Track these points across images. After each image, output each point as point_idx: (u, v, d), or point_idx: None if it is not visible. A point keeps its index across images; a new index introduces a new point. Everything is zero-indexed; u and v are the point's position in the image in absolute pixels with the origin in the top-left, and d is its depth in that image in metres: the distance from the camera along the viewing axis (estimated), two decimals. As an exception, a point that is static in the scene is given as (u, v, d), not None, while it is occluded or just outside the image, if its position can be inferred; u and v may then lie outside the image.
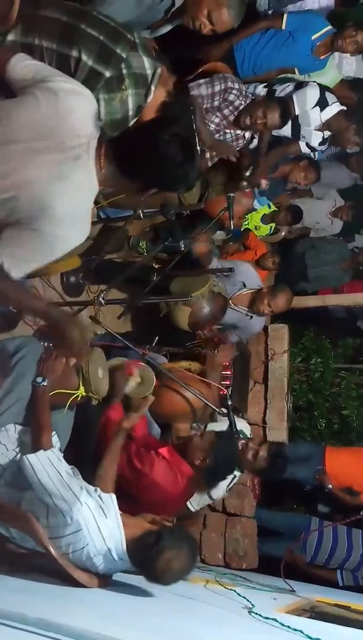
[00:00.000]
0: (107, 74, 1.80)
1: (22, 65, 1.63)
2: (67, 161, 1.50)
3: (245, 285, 3.75)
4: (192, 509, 2.98)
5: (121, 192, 1.81)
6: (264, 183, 3.53)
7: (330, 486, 3.72)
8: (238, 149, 3.30)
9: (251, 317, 3.76)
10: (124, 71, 1.83)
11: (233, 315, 3.69)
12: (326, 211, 4.86)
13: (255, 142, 3.39)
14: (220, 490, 3.00)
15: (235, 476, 3.04)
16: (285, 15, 3.26)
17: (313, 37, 3.27)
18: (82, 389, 2.19)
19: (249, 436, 3.30)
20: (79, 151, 1.51)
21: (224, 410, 2.87)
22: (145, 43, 1.93)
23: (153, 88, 1.89)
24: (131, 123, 1.89)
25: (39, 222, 1.49)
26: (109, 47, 1.81)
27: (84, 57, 1.77)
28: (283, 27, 3.24)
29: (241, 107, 3.07)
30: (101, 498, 1.97)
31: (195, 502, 2.96)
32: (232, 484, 3.09)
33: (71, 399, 2.16)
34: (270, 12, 3.43)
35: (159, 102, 1.89)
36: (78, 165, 1.51)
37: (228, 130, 3.17)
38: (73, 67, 1.77)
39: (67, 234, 1.53)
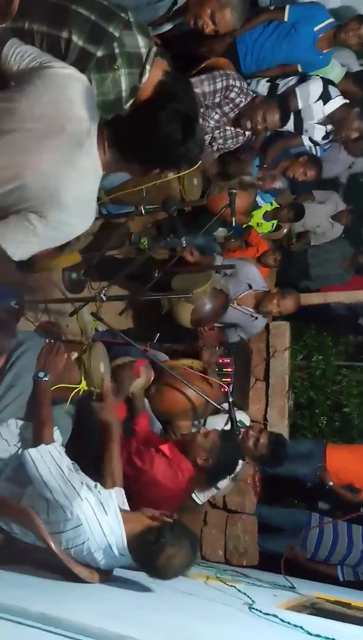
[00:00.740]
0: (99, 53, 1.77)
1: (17, 52, 1.62)
2: (71, 148, 1.50)
3: (250, 287, 3.75)
4: (199, 502, 2.98)
5: (128, 175, 1.77)
6: (248, 177, 3.50)
7: (331, 483, 3.72)
8: (238, 145, 3.29)
9: (256, 318, 3.76)
10: (117, 50, 1.80)
11: (236, 315, 3.69)
12: (327, 215, 4.84)
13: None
14: (225, 480, 3.00)
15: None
16: (287, 7, 3.25)
17: (316, 28, 3.26)
18: (84, 383, 2.19)
19: (247, 425, 3.30)
20: (82, 137, 1.51)
21: (226, 407, 2.88)
22: (140, 22, 1.89)
23: (147, 67, 1.86)
24: (127, 104, 1.86)
25: (46, 210, 1.49)
26: (101, 27, 1.78)
27: (74, 38, 1.74)
28: (286, 18, 3.23)
29: (241, 105, 3.06)
30: (100, 493, 1.97)
31: (201, 495, 2.96)
32: (236, 473, 3.10)
33: (73, 393, 2.16)
34: (272, 7, 3.42)
35: (156, 81, 1.84)
36: (82, 151, 1.51)
37: (228, 127, 3.16)
38: (64, 48, 1.74)
39: (73, 220, 1.54)
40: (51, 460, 1.90)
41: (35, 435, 1.99)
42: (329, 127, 3.52)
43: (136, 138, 1.53)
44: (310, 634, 1.81)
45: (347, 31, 3.27)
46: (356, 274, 4.89)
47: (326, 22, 3.27)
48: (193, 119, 1.56)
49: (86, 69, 1.75)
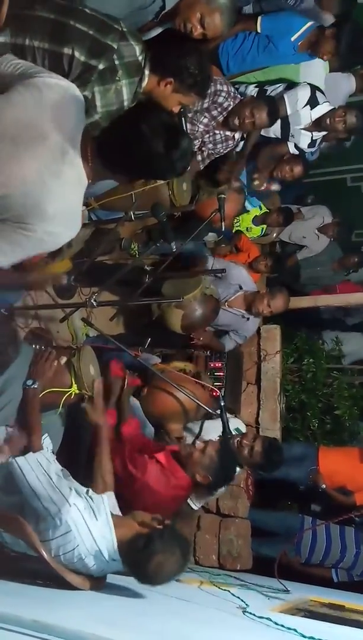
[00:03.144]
0: (100, 66, 1.81)
1: (11, 63, 1.63)
2: (55, 157, 1.49)
3: (241, 288, 3.77)
4: (194, 507, 2.98)
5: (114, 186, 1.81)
6: (237, 184, 3.52)
7: (324, 486, 3.74)
8: (228, 149, 3.31)
9: (248, 319, 3.78)
10: (117, 62, 1.84)
11: (228, 318, 3.71)
12: (314, 227, 4.90)
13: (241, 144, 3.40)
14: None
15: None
16: (259, 18, 3.24)
17: (293, 38, 3.26)
18: (74, 386, 2.19)
19: (243, 432, 3.31)
20: (66, 146, 1.50)
21: (218, 412, 2.88)
22: (132, 30, 1.94)
23: (146, 72, 1.91)
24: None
25: (30, 219, 1.48)
26: (100, 41, 1.82)
27: (77, 54, 1.78)
28: (258, 29, 3.23)
29: (229, 108, 3.08)
30: (91, 499, 1.97)
31: (197, 500, 2.96)
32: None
33: (65, 397, 2.17)
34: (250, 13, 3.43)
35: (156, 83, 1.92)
36: (66, 160, 1.50)
37: (217, 131, 3.18)
38: (67, 65, 1.77)
39: (58, 230, 1.53)
40: (38, 468, 1.90)
41: (23, 442, 1.98)
42: (315, 134, 3.55)
43: (120, 150, 1.53)
44: (303, 636, 1.81)
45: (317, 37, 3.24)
46: (345, 281, 4.93)
47: (303, 29, 3.25)
48: (178, 130, 1.56)
49: (89, 81, 1.78)
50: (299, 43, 3.29)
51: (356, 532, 3.67)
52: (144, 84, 1.92)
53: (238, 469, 3.11)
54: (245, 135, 3.34)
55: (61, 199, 1.50)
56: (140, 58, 1.89)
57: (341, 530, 3.68)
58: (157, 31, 2.57)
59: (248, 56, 3.31)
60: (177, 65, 1.97)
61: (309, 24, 3.27)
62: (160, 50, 1.96)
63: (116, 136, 1.54)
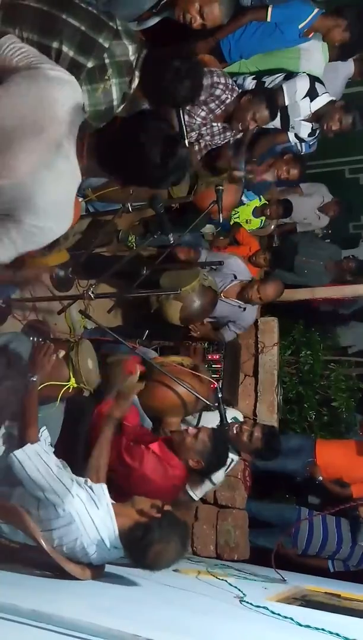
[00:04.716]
0: (89, 64, 1.79)
1: (12, 47, 1.61)
2: (49, 150, 1.48)
3: (235, 278, 3.76)
4: (195, 497, 2.99)
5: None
6: (238, 172, 3.51)
7: (321, 478, 3.76)
8: (226, 141, 3.30)
9: (244, 308, 3.78)
10: (107, 61, 1.82)
11: (225, 308, 3.71)
12: (314, 207, 4.89)
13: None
14: (220, 475, 3.02)
15: (232, 460, 3.06)
16: (270, 8, 3.25)
17: (300, 26, 3.27)
18: (73, 380, 2.20)
19: (241, 420, 3.33)
20: (61, 140, 1.49)
21: (216, 404, 2.89)
22: (128, 29, 1.92)
23: (137, 73, 1.89)
24: (118, 109, 1.88)
25: (21, 213, 1.47)
26: (91, 37, 1.80)
27: (65, 49, 1.76)
28: (268, 19, 3.25)
29: (227, 101, 3.06)
30: (91, 489, 1.98)
31: (198, 491, 2.98)
32: (230, 467, 3.13)
33: (63, 390, 2.18)
34: (252, 4, 3.42)
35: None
36: (60, 154, 1.48)
37: (214, 124, 3.17)
38: (54, 58, 1.75)
39: (49, 224, 1.52)
40: (38, 459, 1.91)
41: (20, 435, 1.99)
42: (315, 124, 3.54)
43: (116, 155, 1.51)
44: (300, 624, 1.83)
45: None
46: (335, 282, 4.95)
47: (310, 17, 3.26)
48: (176, 142, 1.54)
49: (77, 79, 1.75)
50: (304, 30, 3.30)
51: (352, 524, 3.70)
52: (135, 84, 1.89)
53: (236, 458, 3.14)
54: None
55: (52, 193, 1.48)
56: (133, 58, 1.87)
57: (337, 522, 3.70)
58: (154, 20, 2.56)
59: (250, 41, 3.31)
60: (168, 93, 1.96)
61: (315, 11, 3.29)
62: (152, 74, 1.92)
63: (114, 141, 1.52)
